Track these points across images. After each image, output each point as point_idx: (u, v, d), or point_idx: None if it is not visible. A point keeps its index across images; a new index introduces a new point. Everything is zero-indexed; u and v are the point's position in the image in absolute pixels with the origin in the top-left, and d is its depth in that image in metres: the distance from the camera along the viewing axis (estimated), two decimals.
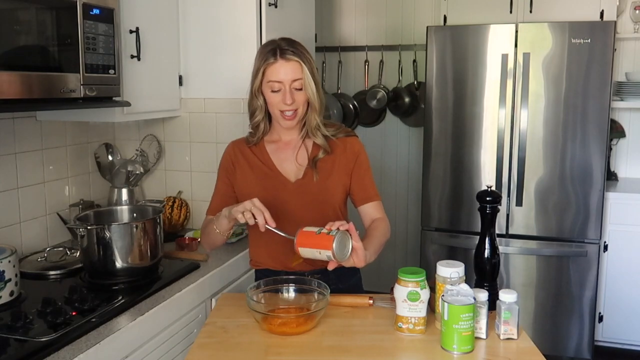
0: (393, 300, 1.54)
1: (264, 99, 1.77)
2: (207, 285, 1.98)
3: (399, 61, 4.01)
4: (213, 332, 1.54)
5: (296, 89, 1.72)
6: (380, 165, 4.12)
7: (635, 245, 3.28)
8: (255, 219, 1.56)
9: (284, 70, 1.70)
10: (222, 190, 1.88)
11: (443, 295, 1.44)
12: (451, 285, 1.47)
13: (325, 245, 1.49)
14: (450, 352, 1.41)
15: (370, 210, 1.85)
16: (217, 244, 1.81)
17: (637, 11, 3.50)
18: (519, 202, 3.25)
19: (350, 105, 4.13)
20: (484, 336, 1.48)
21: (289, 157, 1.83)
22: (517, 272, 3.32)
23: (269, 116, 1.83)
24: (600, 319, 3.36)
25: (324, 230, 1.52)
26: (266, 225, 1.57)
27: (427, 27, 3.32)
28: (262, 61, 1.73)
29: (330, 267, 1.54)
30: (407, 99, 4.05)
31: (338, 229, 1.51)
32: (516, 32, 3.15)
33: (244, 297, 1.56)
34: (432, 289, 1.54)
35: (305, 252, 1.54)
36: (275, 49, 1.72)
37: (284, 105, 1.72)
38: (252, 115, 1.83)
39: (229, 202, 1.83)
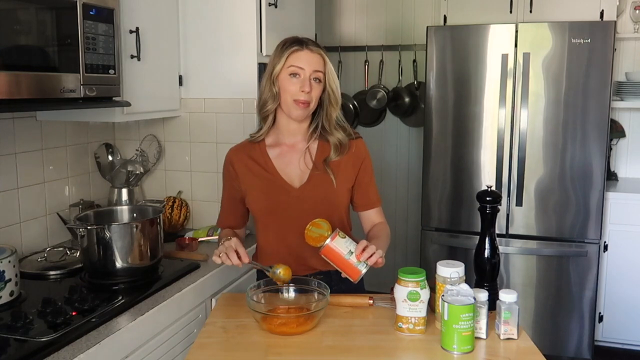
0: (393, 300, 1.54)
1: (279, 89, 1.74)
2: (207, 285, 1.98)
3: (399, 61, 4.01)
4: (213, 332, 1.54)
5: (315, 80, 1.73)
6: (380, 165, 4.12)
7: (635, 245, 3.28)
8: (230, 260, 1.61)
9: (308, 60, 1.72)
10: (230, 195, 1.88)
11: (443, 295, 1.44)
12: (451, 285, 1.47)
13: (351, 274, 1.56)
14: (450, 352, 1.41)
15: (372, 216, 1.87)
16: None
17: (637, 11, 3.49)
18: (519, 202, 3.25)
19: (350, 105, 4.13)
20: (484, 336, 1.48)
21: (293, 161, 1.81)
22: (517, 272, 3.32)
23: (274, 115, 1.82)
24: (600, 318, 3.36)
25: (353, 259, 1.54)
26: (249, 262, 1.63)
27: (427, 27, 3.32)
28: (285, 49, 1.73)
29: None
30: (407, 99, 4.05)
31: (367, 263, 1.55)
32: (516, 32, 3.15)
33: (244, 297, 1.56)
34: (432, 289, 1.54)
35: (329, 260, 1.57)
36: (300, 40, 1.75)
37: (300, 94, 1.71)
38: (264, 104, 1.79)
39: (238, 206, 1.87)
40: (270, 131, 1.84)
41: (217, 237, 2.29)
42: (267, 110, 1.79)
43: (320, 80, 1.74)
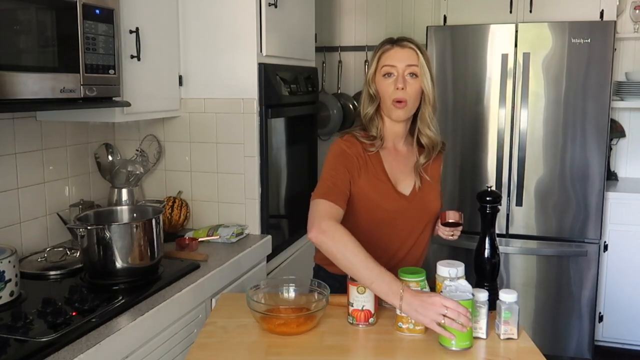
0: None
1: (376, 90, 1.71)
2: (207, 285, 1.97)
3: None
4: (213, 332, 1.54)
5: (410, 75, 1.67)
6: None
7: (635, 245, 3.28)
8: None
9: (399, 56, 1.68)
10: (344, 177, 1.65)
11: (442, 292, 1.44)
12: (450, 281, 1.47)
13: None
14: (449, 348, 1.40)
15: None
16: (341, 267, 1.53)
17: (637, 11, 3.50)
18: (519, 202, 3.25)
19: (350, 105, 4.13)
20: (484, 336, 1.48)
21: (398, 166, 1.76)
22: (517, 272, 3.32)
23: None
24: (600, 318, 3.36)
25: None
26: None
27: (427, 27, 3.32)
28: (378, 50, 1.72)
29: None
30: None
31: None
32: (516, 32, 3.15)
33: (244, 297, 1.56)
34: (432, 289, 1.54)
35: None
36: (392, 39, 1.72)
37: (396, 92, 1.66)
38: (363, 108, 1.75)
39: (347, 191, 1.65)
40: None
41: (217, 236, 2.29)
42: (367, 112, 1.73)
43: (416, 75, 1.67)
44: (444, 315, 1.36)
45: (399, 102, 1.67)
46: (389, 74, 1.68)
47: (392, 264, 1.66)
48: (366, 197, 1.69)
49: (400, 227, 1.74)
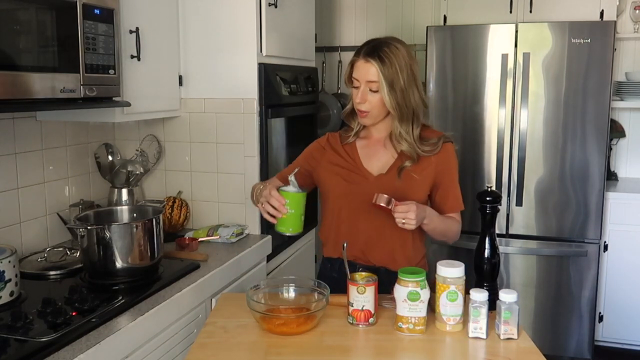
0: (393, 300, 1.54)
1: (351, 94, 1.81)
2: (207, 285, 1.97)
3: None
4: (213, 332, 1.54)
5: (371, 90, 1.73)
6: None
7: (635, 245, 3.28)
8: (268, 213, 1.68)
9: (363, 71, 1.72)
10: (299, 163, 1.93)
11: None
12: (290, 177, 1.69)
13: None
14: (280, 233, 1.69)
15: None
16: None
17: (637, 11, 3.50)
18: (519, 202, 3.25)
19: None
20: (484, 336, 1.48)
21: (376, 153, 1.83)
22: (517, 272, 3.32)
23: None
24: (600, 318, 3.36)
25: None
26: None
27: (427, 27, 3.33)
28: (354, 55, 1.77)
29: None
30: None
31: None
32: (516, 32, 3.15)
33: (244, 297, 1.56)
34: (432, 289, 1.54)
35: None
36: (365, 47, 1.73)
37: (358, 104, 1.75)
38: (347, 104, 1.86)
39: (304, 174, 1.89)
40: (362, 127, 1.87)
41: (217, 236, 2.30)
42: (346, 109, 1.85)
43: (377, 90, 1.71)
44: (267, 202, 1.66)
45: (361, 112, 1.77)
46: (355, 85, 1.76)
47: (363, 240, 1.79)
48: (332, 172, 1.84)
49: (366, 202, 1.71)
